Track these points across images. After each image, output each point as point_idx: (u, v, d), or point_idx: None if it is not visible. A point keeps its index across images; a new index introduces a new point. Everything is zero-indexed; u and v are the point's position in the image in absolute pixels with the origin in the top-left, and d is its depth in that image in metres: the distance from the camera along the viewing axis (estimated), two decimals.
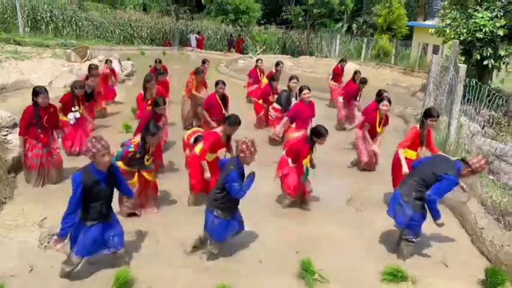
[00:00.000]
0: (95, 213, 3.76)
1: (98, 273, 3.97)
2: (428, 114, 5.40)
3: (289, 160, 5.48)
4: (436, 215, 4.33)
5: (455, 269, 4.40)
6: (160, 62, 10.42)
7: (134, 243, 4.47)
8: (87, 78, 8.19)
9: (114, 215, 4.06)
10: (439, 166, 4.31)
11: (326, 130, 5.17)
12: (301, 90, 7.07)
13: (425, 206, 4.35)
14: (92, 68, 8.70)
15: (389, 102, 6.71)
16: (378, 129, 6.81)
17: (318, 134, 5.15)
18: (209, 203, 4.24)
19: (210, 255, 4.29)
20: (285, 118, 7.16)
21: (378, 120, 6.77)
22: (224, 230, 4.22)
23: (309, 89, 7.02)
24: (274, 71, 10.28)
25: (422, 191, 4.29)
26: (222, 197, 4.12)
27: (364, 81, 9.33)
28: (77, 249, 3.75)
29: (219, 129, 5.23)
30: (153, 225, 4.89)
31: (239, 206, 4.35)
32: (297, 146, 5.44)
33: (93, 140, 3.61)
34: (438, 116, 5.46)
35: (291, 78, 8.07)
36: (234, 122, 5.07)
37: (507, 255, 4.33)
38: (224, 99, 7.46)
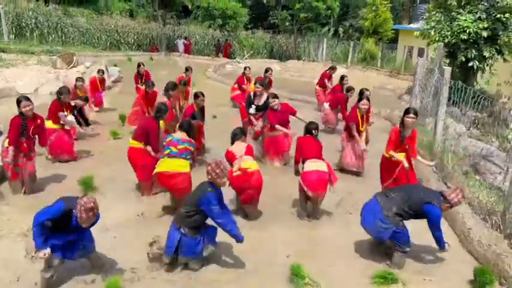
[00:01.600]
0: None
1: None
2: (405, 111, 5.53)
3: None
4: (441, 244, 4.37)
5: (444, 269, 4.43)
6: (143, 65, 10.32)
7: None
8: (75, 87, 8.14)
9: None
10: (426, 193, 4.37)
11: (313, 122, 5.81)
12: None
13: (403, 221, 4.33)
14: (78, 82, 8.66)
15: (368, 100, 6.94)
16: (361, 128, 6.89)
17: (315, 128, 5.66)
18: (177, 219, 4.11)
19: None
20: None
21: (359, 118, 6.84)
22: (194, 247, 4.09)
23: (276, 97, 7.16)
24: (263, 76, 10.34)
25: (404, 209, 4.26)
26: (192, 216, 4.02)
27: (350, 89, 9.33)
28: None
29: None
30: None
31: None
32: (313, 148, 5.47)
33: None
34: (416, 114, 5.53)
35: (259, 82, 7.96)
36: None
37: (495, 254, 4.37)
38: (202, 111, 7.31)
